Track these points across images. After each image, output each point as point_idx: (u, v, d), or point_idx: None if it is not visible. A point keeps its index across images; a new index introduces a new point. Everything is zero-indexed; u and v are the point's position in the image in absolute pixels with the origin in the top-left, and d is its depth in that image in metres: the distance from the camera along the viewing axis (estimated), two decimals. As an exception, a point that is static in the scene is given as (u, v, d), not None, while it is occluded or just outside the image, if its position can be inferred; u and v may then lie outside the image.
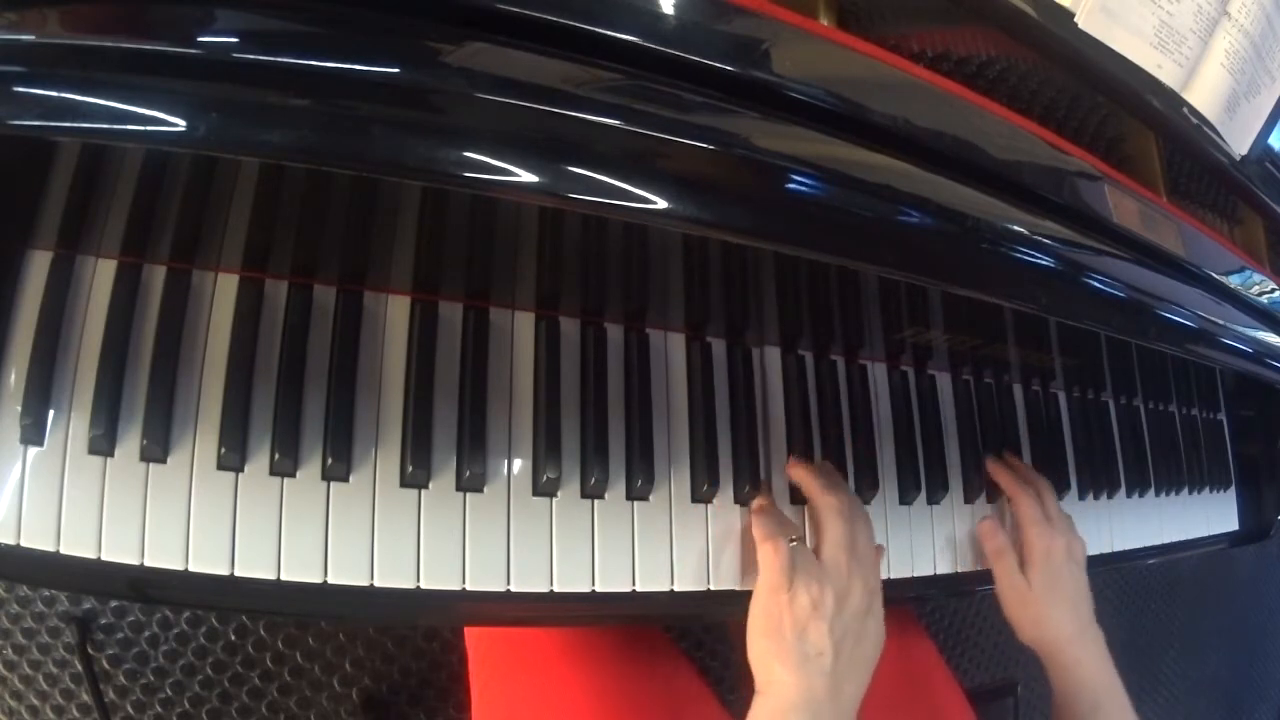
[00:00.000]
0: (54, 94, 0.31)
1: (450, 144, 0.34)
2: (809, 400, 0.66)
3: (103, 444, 0.46)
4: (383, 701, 1.15)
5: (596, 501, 0.56)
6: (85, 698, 1.02)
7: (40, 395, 0.46)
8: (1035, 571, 0.69)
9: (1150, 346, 0.57)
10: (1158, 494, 0.92)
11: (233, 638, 1.08)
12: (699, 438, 0.60)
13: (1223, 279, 0.61)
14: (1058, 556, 0.69)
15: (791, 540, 0.56)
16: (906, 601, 0.67)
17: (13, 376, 0.46)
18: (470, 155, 0.35)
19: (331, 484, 0.50)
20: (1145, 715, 0.65)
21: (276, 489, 0.49)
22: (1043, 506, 0.71)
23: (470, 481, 0.53)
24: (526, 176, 0.35)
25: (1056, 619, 0.68)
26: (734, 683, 0.86)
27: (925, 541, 0.69)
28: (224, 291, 0.51)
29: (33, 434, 0.45)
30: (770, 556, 0.55)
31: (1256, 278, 0.65)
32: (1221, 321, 0.60)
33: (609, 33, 0.37)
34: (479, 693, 0.68)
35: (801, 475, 0.62)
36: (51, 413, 0.46)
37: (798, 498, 0.64)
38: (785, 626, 0.53)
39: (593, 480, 0.56)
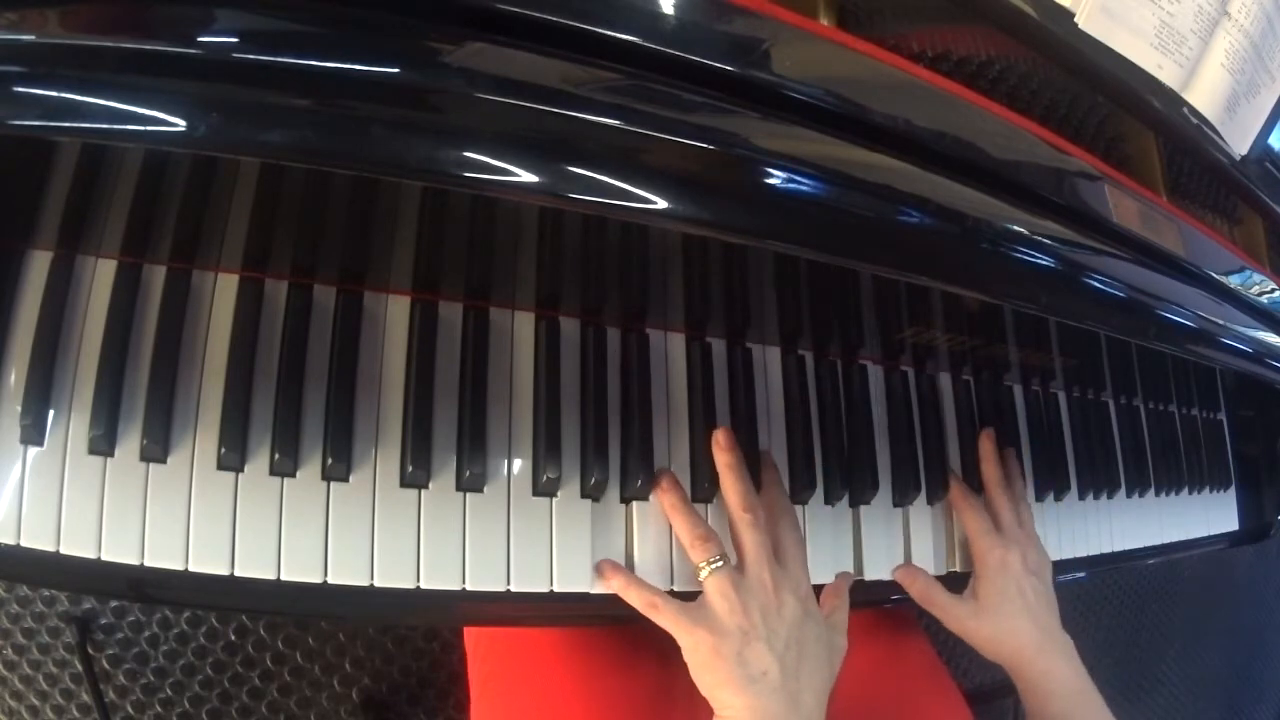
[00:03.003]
0: (54, 94, 0.31)
1: (450, 144, 0.34)
2: (809, 400, 0.66)
3: (103, 444, 0.46)
4: (383, 701, 1.15)
5: (596, 501, 0.56)
6: (85, 698, 1.02)
7: (40, 395, 0.46)
8: (984, 584, 0.67)
9: (1150, 346, 0.57)
10: (1158, 494, 0.92)
11: (233, 638, 1.08)
12: (699, 437, 0.60)
13: (1223, 279, 0.61)
14: (1013, 567, 0.67)
15: (716, 562, 0.55)
16: (907, 602, 0.67)
17: (13, 376, 0.46)
18: (470, 155, 0.35)
19: (331, 484, 0.50)
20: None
21: (276, 489, 0.49)
22: (997, 515, 0.69)
23: (470, 481, 0.53)
24: (526, 176, 0.35)
25: (1016, 630, 0.66)
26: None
27: (924, 542, 0.69)
28: (224, 291, 0.51)
29: (33, 434, 0.45)
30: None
31: (1256, 278, 0.65)
32: (1221, 321, 0.60)
33: (609, 33, 0.37)
34: (478, 693, 0.68)
35: (723, 477, 0.58)
36: (51, 413, 0.46)
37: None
38: (722, 656, 0.53)
39: (593, 480, 0.56)
